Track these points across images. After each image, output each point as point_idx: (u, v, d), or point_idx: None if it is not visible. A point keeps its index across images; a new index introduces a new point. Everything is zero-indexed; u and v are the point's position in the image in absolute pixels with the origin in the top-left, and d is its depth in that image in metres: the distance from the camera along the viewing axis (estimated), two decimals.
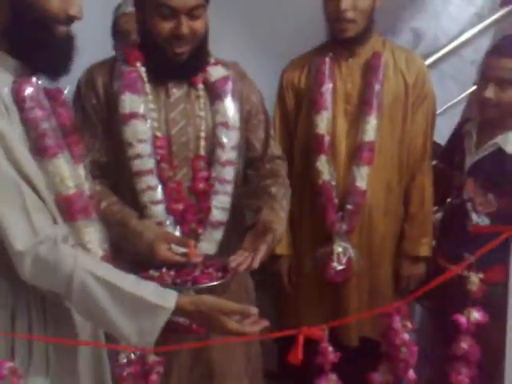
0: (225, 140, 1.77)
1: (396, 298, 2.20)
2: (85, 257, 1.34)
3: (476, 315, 1.32)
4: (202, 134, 1.77)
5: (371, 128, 2.07)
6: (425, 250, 2.16)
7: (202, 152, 1.77)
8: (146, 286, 1.35)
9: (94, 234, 1.47)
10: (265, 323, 1.33)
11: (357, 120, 2.11)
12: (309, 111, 2.14)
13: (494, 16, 2.72)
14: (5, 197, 1.26)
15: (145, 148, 1.71)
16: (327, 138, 2.09)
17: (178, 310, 1.32)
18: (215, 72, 1.79)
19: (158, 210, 1.73)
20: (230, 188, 1.78)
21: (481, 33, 2.68)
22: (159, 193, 1.73)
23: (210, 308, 1.34)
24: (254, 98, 1.87)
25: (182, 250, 1.61)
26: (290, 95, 2.20)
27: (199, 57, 1.74)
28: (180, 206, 1.75)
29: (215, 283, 1.57)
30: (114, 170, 1.78)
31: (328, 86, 2.10)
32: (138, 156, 1.70)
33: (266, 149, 1.90)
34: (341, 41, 2.08)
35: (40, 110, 1.36)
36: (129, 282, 1.34)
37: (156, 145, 1.73)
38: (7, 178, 1.26)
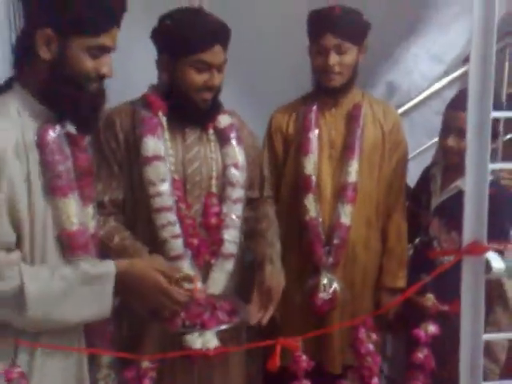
0: (235, 179, 1.94)
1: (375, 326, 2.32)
2: (29, 267, 1.46)
3: (432, 328, 1.48)
4: (214, 174, 1.93)
5: (353, 170, 2.26)
6: (401, 282, 2.31)
7: (214, 190, 1.93)
8: (85, 265, 1.52)
9: None
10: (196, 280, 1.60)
11: (340, 163, 2.29)
12: (296, 154, 2.32)
13: (459, 71, 2.95)
14: None
15: (165, 187, 1.83)
16: (313, 178, 2.27)
17: (120, 272, 1.53)
18: (223, 119, 1.98)
19: (178, 243, 1.84)
20: (239, 223, 1.94)
21: (448, 86, 2.90)
22: (178, 228, 1.84)
23: (145, 266, 1.58)
24: (253, 144, 2.07)
25: (188, 285, 1.64)
26: (278, 139, 2.37)
27: (217, 104, 1.94)
28: (195, 241, 1.88)
29: (222, 327, 1.68)
30: (130, 208, 1.90)
31: (314, 132, 2.29)
32: (159, 194, 1.82)
33: (263, 190, 2.11)
34: (326, 90, 2.28)
35: (58, 155, 1.51)
36: (70, 268, 1.51)
37: (174, 186, 1.86)
38: None
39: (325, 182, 2.30)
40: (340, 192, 2.28)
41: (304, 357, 1.42)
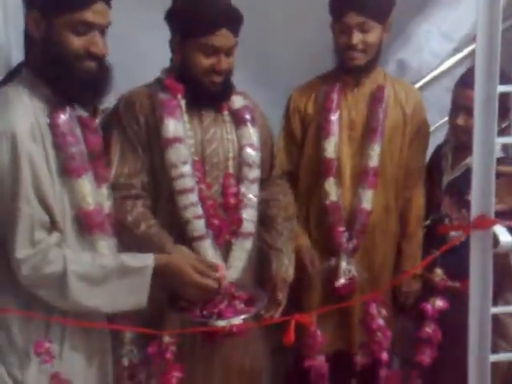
0: (251, 159, 1.96)
1: (394, 312, 2.28)
2: (72, 253, 1.53)
3: (439, 303, 1.51)
4: (231, 155, 1.94)
5: (375, 154, 2.19)
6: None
7: (231, 170, 1.95)
8: (125, 256, 1.59)
9: (107, 249, 1.63)
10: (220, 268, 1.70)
11: (360, 145, 2.22)
12: (316, 136, 2.24)
13: (469, 48, 2.93)
14: (19, 209, 1.45)
15: (187, 168, 1.85)
16: (335, 162, 2.20)
17: (157, 267, 1.59)
18: (237, 101, 1.99)
19: (200, 224, 1.86)
20: (256, 202, 1.96)
21: (458, 63, 2.89)
22: (200, 209, 1.86)
23: (182, 261, 1.65)
24: (265, 125, 2.08)
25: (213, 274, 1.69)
26: (296, 119, 2.29)
27: (229, 87, 1.94)
28: (216, 221, 1.89)
29: (240, 317, 1.71)
30: (151, 190, 1.90)
31: (336, 114, 2.21)
32: (181, 176, 1.84)
33: (272, 171, 2.12)
34: (349, 69, 2.20)
35: (70, 137, 1.54)
36: (110, 258, 1.58)
37: (194, 167, 1.87)
38: (25, 195, 1.45)
39: (345, 165, 2.24)
40: (361, 176, 2.22)
41: (319, 332, 1.45)
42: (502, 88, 1.22)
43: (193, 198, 1.86)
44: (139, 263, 1.58)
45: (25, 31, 1.55)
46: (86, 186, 1.57)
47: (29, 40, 1.55)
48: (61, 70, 1.52)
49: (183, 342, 1.67)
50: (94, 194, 1.60)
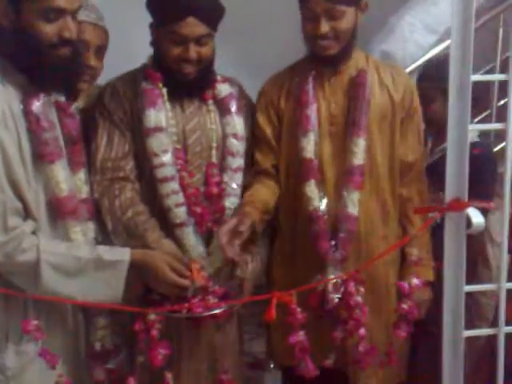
0: (235, 149, 1.96)
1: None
2: (47, 242, 1.54)
3: (415, 281, 1.58)
4: (214, 144, 1.95)
5: (360, 150, 1.93)
6: (432, 273, 1.98)
7: (214, 160, 1.96)
8: (101, 249, 1.61)
9: (80, 234, 1.66)
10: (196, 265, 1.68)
11: (343, 142, 1.97)
12: (292, 133, 1.99)
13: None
14: None
15: (168, 157, 1.86)
16: (315, 162, 1.95)
17: (133, 262, 1.60)
18: (223, 89, 1.98)
19: (181, 211, 1.87)
20: (239, 191, 1.96)
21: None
22: (181, 197, 1.88)
23: (158, 258, 1.65)
24: (251, 112, 2.07)
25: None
26: (270, 113, 2.04)
27: (205, 76, 1.93)
28: (198, 209, 1.91)
29: (209, 313, 1.71)
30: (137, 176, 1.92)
31: (313, 107, 1.96)
32: (163, 165, 1.85)
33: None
34: (321, 59, 1.96)
35: (43, 122, 1.55)
36: (86, 250, 1.59)
37: (176, 156, 1.89)
38: None
39: (327, 166, 1.99)
40: (345, 177, 1.95)
41: (299, 309, 1.51)
42: (474, 77, 1.28)
43: (174, 185, 1.87)
44: (115, 257, 1.60)
45: None
46: (59, 171, 1.59)
47: (1, 28, 1.53)
48: (35, 59, 1.52)
49: (168, 320, 1.71)
50: (68, 180, 1.62)
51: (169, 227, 1.88)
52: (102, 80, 2.10)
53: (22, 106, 1.54)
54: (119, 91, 1.92)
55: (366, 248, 2.00)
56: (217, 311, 1.73)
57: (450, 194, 1.36)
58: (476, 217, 1.36)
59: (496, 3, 3.12)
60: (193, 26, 1.81)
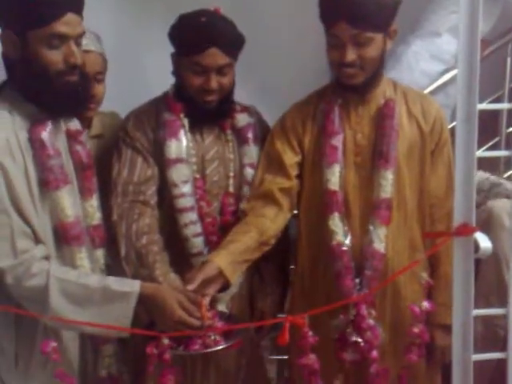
0: (252, 179, 1.98)
1: (430, 371, 1.98)
2: (58, 268, 1.55)
3: (426, 305, 1.60)
4: (231, 174, 1.99)
5: (387, 183, 1.86)
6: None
7: (231, 189, 1.99)
8: (111, 280, 1.59)
9: (87, 261, 1.67)
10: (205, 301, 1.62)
11: (369, 174, 1.90)
12: (316, 164, 1.93)
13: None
14: None
15: (187, 188, 1.90)
16: (340, 194, 1.88)
17: (142, 295, 1.57)
18: (241, 118, 2.02)
19: (198, 241, 1.91)
20: None
21: (450, 81, 3.01)
22: (199, 227, 1.91)
23: (169, 295, 1.60)
24: None
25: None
26: (292, 139, 1.95)
27: (225, 105, 1.96)
28: (215, 238, 1.94)
29: (206, 351, 1.67)
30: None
31: (339, 137, 1.89)
32: (182, 195, 1.89)
33: None
34: (346, 88, 1.89)
35: (49, 150, 1.58)
36: (95, 279, 1.58)
37: (195, 185, 1.92)
38: (1, 207, 1.49)
39: (352, 199, 1.91)
40: (372, 211, 1.88)
41: (310, 332, 1.53)
42: (480, 106, 1.32)
43: (192, 216, 1.91)
44: (124, 288, 1.58)
45: (2, 52, 1.60)
46: (64, 198, 1.61)
47: (8, 60, 1.59)
48: (42, 87, 1.56)
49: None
50: (74, 207, 1.63)
51: (185, 256, 1.91)
52: (114, 106, 2.18)
53: (27, 135, 1.58)
54: (143, 121, 1.96)
55: (392, 287, 1.90)
56: (214, 349, 1.68)
57: (457, 219, 1.39)
58: (484, 241, 1.38)
59: (502, 34, 3.19)
60: (215, 57, 1.85)
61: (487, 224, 2.09)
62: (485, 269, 2.03)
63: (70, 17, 1.55)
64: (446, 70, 3.02)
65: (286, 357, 2.20)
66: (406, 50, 3.02)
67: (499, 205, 2.22)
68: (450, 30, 2.95)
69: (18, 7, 1.52)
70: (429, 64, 3.04)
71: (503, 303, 1.34)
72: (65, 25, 1.53)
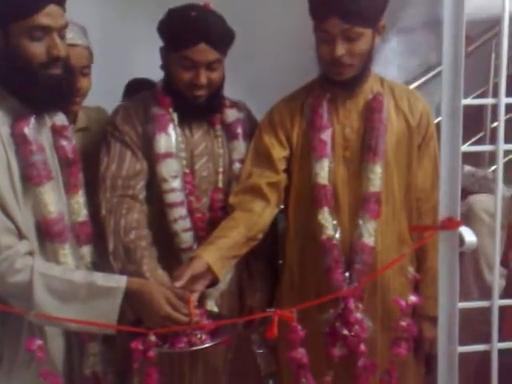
0: None
1: (417, 364, 2.01)
2: (42, 264, 1.53)
3: (412, 298, 1.59)
4: (220, 169, 1.99)
5: (376, 177, 1.87)
6: None
7: (221, 185, 1.99)
8: (96, 275, 1.57)
9: (69, 257, 1.65)
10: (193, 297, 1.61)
11: (358, 168, 1.91)
12: (305, 158, 1.94)
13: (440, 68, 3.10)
14: None
15: (177, 183, 1.89)
16: (329, 189, 1.89)
17: (128, 290, 1.55)
18: (231, 114, 2.03)
19: (188, 236, 1.92)
20: None
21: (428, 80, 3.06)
22: (188, 222, 1.92)
23: (156, 291, 1.58)
24: None
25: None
26: (280, 133, 1.96)
27: (214, 100, 1.96)
28: (204, 233, 1.93)
29: (191, 349, 1.64)
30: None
31: (328, 131, 1.90)
32: (172, 190, 1.89)
33: None
34: (335, 83, 1.91)
35: (31, 145, 1.56)
36: (80, 275, 1.56)
37: (185, 180, 1.92)
38: None
39: (341, 193, 1.92)
40: (361, 205, 1.89)
41: (299, 326, 1.52)
42: (465, 101, 1.34)
43: (182, 211, 1.91)
44: (110, 283, 1.55)
45: None
46: (47, 193, 1.60)
47: None
48: (25, 80, 1.54)
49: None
50: (58, 203, 1.62)
51: (174, 251, 1.91)
52: (100, 101, 2.17)
53: (9, 130, 1.56)
54: (131, 114, 1.95)
55: (381, 281, 1.92)
56: (200, 348, 1.65)
57: (442, 213, 1.41)
58: (469, 235, 1.40)
59: (486, 29, 3.23)
60: (204, 52, 1.85)
61: (466, 218, 2.11)
62: (462, 265, 2.04)
63: (52, 8, 1.53)
64: (420, 67, 3.04)
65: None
66: (383, 45, 3.06)
67: (479, 199, 2.25)
68: (426, 25, 2.98)
69: None
70: (404, 59, 3.07)
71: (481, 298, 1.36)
72: (47, 16, 1.52)
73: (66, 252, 1.64)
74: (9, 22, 1.51)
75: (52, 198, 1.60)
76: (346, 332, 1.80)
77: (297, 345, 1.54)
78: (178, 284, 1.66)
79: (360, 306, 1.64)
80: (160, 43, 1.98)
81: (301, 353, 1.54)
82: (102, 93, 2.14)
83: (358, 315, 1.62)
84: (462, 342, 1.44)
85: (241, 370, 2.13)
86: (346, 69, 1.84)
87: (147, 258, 1.79)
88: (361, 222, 1.88)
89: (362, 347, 1.64)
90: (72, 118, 2.00)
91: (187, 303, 1.61)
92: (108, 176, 1.88)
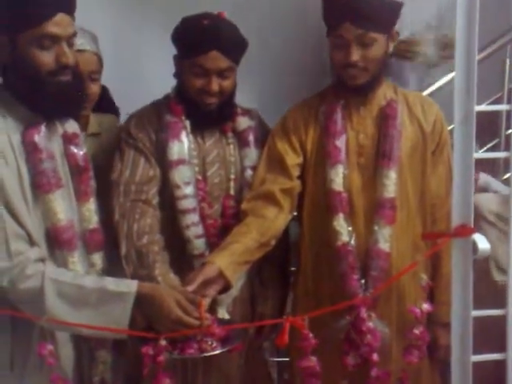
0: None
1: (432, 372, 2.01)
2: (53, 270, 1.53)
3: (426, 306, 1.57)
4: (232, 176, 2.01)
5: (391, 183, 1.87)
6: None
7: (232, 192, 2.01)
8: (107, 280, 1.56)
9: (78, 265, 1.65)
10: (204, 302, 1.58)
11: (373, 174, 1.92)
12: (319, 165, 1.95)
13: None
14: None
15: (190, 189, 1.91)
16: (344, 195, 1.89)
17: (139, 295, 1.53)
18: (242, 122, 2.04)
19: (200, 243, 1.93)
20: None
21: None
22: (201, 228, 1.93)
23: (167, 294, 1.56)
24: None
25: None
26: (294, 140, 1.97)
27: (226, 108, 1.98)
28: (216, 240, 1.94)
29: (201, 355, 1.62)
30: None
31: (342, 138, 1.91)
32: (184, 197, 1.90)
33: None
34: (349, 89, 1.92)
35: (41, 153, 1.57)
36: (93, 280, 1.55)
37: (197, 187, 1.94)
38: None
39: (356, 199, 1.93)
40: (376, 211, 1.89)
41: (311, 334, 1.50)
42: (478, 108, 1.32)
43: (194, 217, 1.92)
44: (121, 288, 1.54)
45: None
46: (56, 201, 1.60)
47: (0, 62, 1.58)
48: (34, 88, 1.55)
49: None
50: (68, 210, 1.62)
51: (187, 257, 1.92)
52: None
53: (20, 138, 1.57)
54: (145, 122, 1.98)
55: (396, 287, 1.91)
56: (210, 354, 1.64)
57: (456, 220, 1.39)
58: (482, 243, 1.39)
59: (501, 35, 3.21)
60: (216, 60, 1.87)
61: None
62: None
63: (61, 17, 1.54)
64: None
65: (286, 359, 2.21)
66: None
67: (484, 198, 2.21)
68: None
69: (7, 9, 1.51)
70: None
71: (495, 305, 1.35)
72: (56, 25, 1.52)
73: (75, 260, 1.64)
74: (18, 31, 1.52)
75: (61, 206, 1.61)
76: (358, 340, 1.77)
77: (308, 353, 1.53)
78: (190, 288, 1.66)
79: (373, 315, 1.62)
80: (171, 52, 2.01)
81: (313, 361, 1.53)
82: (115, 100, 2.15)
83: (370, 324, 1.60)
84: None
85: (253, 378, 2.11)
86: (360, 73, 1.85)
87: (159, 262, 1.80)
88: (376, 227, 1.88)
89: (375, 356, 1.63)
90: (82, 123, 2.01)
91: (198, 307, 1.60)
92: (121, 181, 1.90)
